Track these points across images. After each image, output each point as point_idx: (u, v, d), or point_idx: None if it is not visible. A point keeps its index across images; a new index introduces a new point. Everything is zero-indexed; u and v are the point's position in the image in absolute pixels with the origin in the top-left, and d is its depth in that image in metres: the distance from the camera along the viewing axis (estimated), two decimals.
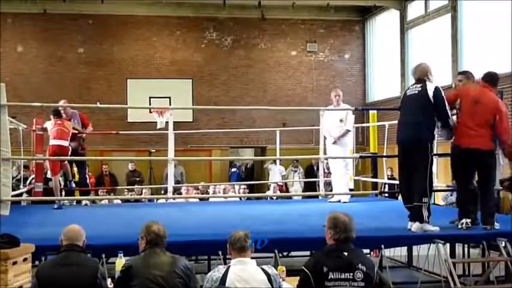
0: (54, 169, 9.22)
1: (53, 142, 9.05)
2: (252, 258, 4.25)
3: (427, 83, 6.42)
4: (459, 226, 6.45)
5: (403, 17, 16.72)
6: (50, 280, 4.17)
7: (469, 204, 6.57)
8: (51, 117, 9.27)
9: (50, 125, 9.24)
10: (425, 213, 6.24)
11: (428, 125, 6.37)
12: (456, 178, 6.76)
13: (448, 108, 6.36)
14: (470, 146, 6.38)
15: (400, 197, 6.70)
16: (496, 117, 6.38)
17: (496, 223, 6.46)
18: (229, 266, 4.17)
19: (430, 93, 6.31)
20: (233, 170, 16.90)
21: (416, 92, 6.42)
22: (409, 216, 6.42)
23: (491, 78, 6.68)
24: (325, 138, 9.39)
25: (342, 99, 9.51)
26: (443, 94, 6.37)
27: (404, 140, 6.48)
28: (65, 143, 9.05)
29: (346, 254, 3.99)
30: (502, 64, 12.33)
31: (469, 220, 6.41)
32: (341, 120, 9.43)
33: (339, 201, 9.46)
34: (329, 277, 3.89)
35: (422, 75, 6.50)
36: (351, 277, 3.91)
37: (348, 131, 9.47)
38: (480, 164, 6.46)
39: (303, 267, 3.99)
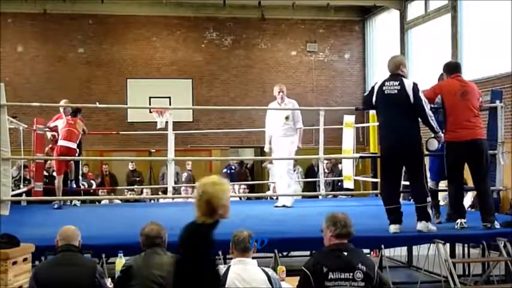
0: (60, 169, 9.25)
1: (61, 143, 9.11)
2: (252, 258, 4.25)
3: (404, 79, 6.14)
4: (455, 226, 6.43)
5: (403, 17, 16.71)
6: (49, 281, 4.16)
7: (462, 204, 6.57)
8: (69, 115, 9.30)
9: (61, 123, 9.28)
10: (431, 212, 6.21)
11: (415, 125, 6.17)
12: (450, 177, 6.58)
13: (426, 105, 6.08)
14: (472, 137, 6.30)
15: (401, 198, 6.60)
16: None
17: (496, 222, 6.45)
18: (230, 265, 4.17)
19: (409, 90, 6.04)
20: (224, 171, 16.69)
21: (396, 91, 6.08)
22: (388, 219, 6.24)
23: (446, 67, 6.68)
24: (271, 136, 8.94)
25: (285, 94, 8.81)
26: (421, 91, 6.11)
27: (394, 145, 6.15)
28: (73, 145, 9.19)
29: (346, 254, 3.98)
30: (502, 64, 12.35)
31: (464, 220, 6.38)
32: (287, 118, 8.76)
33: (284, 205, 8.90)
34: (329, 277, 3.88)
35: (396, 69, 6.20)
36: (350, 277, 3.90)
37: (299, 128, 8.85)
38: (480, 156, 6.36)
39: (302, 268, 3.99)
